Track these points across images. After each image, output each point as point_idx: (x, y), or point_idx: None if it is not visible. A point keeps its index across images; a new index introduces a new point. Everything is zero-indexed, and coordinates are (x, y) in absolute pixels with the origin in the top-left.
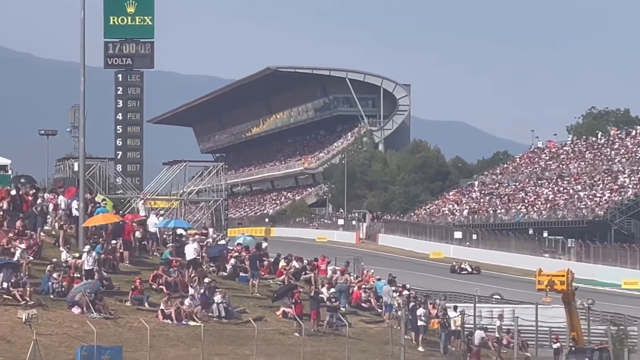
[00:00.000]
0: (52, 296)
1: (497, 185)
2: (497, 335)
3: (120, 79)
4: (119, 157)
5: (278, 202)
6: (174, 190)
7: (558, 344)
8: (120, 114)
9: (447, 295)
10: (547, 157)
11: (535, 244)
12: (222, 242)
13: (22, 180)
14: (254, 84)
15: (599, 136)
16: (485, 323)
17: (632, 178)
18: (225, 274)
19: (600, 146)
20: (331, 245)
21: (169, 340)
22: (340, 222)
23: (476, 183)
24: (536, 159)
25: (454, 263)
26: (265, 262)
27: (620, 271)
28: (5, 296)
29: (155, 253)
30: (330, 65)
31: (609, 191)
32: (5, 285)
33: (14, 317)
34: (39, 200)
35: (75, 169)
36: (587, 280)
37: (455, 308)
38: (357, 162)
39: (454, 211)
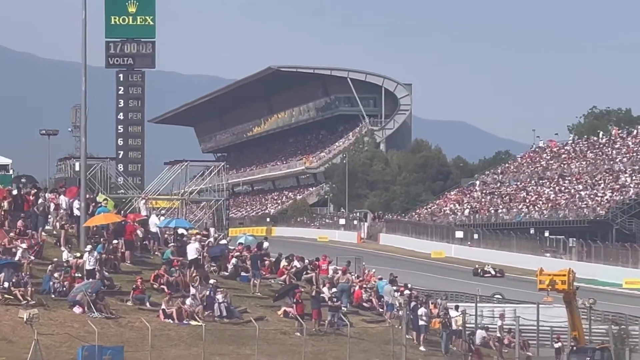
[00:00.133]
0: (53, 296)
1: (498, 184)
2: (498, 334)
3: (121, 79)
4: (120, 156)
5: (279, 201)
6: (175, 190)
7: (559, 344)
8: (121, 114)
9: (449, 295)
10: (549, 157)
11: (537, 244)
12: (224, 241)
13: (23, 180)
14: (255, 83)
15: (601, 136)
16: (487, 323)
17: (634, 177)
18: (226, 273)
19: (601, 146)
20: (332, 245)
21: (170, 340)
22: (342, 221)
23: (477, 183)
24: (537, 159)
25: (477, 266)
26: (267, 262)
27: (622, 271)
28: (6, 296)
29: (156, 253)
30: (332, 64)
31: (610, 191)
32: (6, 284)
33: (15, 317)
34: (40, 200)
35: (77, 168)
36: (588, 279)
37: (456, 308)
38: (358, 161)
39: (455, 211)
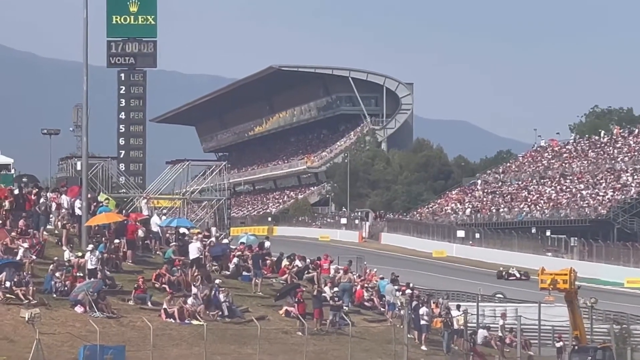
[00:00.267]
0: (54, 295)
1: (499, 184)
2: (500, 334)
3: (123, 78)
4: (121, 156)
5: (281, 201)
6: (177, 189)
7: (561, 343)
8: (123, 113)
9: (450, 294)
10: (550, 156)
11: (538, 243)
12: (225, 241)
13: (25, 179)
14: (256, 83)
15: (602, 135)
16: (488, 322)
17: (635, 177)
18: (228, 273)
19: (603, 145)
20: (334, 244)
21: (171, 340)
22: (343, 221)
23: (479, 182)
24: (539, 158)
25: (501, 268)
26: (268, 261)
27: (623, 270)
28: (8, 295)
29: (158, 252)
30: (333, 64)
31: (611, 190)
32: (8, 284)
33: (16, 317)
34: (42, 200)
35: (78, 168)
36: (590, 279)
37: (458, 307)
38: (359, 161)
39: (457, 210)
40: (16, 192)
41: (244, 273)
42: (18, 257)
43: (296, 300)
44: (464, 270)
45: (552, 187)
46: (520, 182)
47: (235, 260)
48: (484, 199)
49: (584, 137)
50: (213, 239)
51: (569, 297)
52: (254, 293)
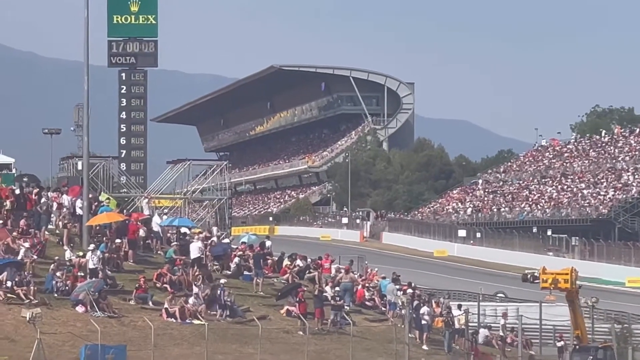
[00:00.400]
0: (56, 295)
1: (501, 183)
2: (501, 333)
3: (123, 78)
4: (122, 155)
5: (282, 200)
6: (178, 189)
7: (562, 342)
8: (124, 113)
9: (451, 294)
10: (551, 156)
11: (539, 243)
12: (226, 240)
13: (26, 179)
14: (257, 82)
15: (603, 134)
16: (490, 321)
17: (636, 176)
18: (229, 272)
19: (604, 144)
20: (335, 244)
21: (173, 339)
22: (344, 220)
23: (480, 181)
24: (540, 157)
25: (526, 271)
26: (269, 261)
27: (624, 269)
28: (9, 295)
29: (159, 252)
30: (334, 63)
31: (612, 189)
32: (9, 284)
33: (18, 316)
34: (43, 199)
35: (79, 167)
36: (591, 278)
37: (459, 306)
38: (361, 160)
39: (458, 209)
40: (17, 191)
41: (245, 273)
42: (19, 257)
43: (297, 299)
44: (465, 269)
45: (553, 187)
46: (521, 182)
47: (236, 259)
48: (485, 199)
49: (585, 137)
50: (214, 238)
51: (570, 296)
52: (255, 293)
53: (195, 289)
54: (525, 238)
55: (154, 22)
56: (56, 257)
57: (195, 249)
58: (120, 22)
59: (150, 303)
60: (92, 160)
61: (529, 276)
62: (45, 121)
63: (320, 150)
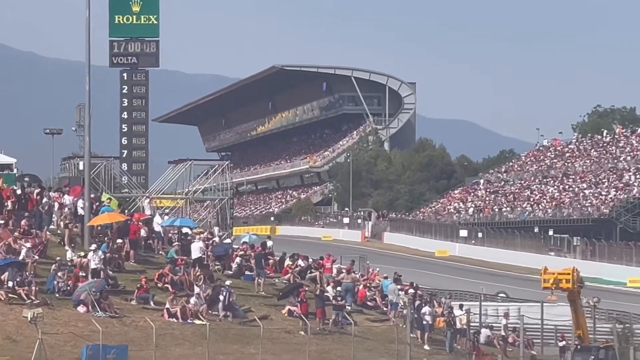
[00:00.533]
0: (57, 295)
1: (502, 183)
2: (502, 333)
3: (125, 78)
4: (124, 155)
5: (283, 200)
6: (180, 189)
7: (564, 342)
8: (125, 113)
9: (453, 294)
10: (553, 156)
11: (541, 242)
12: (228, 240)
13: (27, 179)
14: (259, 82)
15: (605, 134)
16: (491, 321)
17: (638, 176)
18: (230, 272)
19: (605, 144)
20: (336, 244)
21: (174, 339)
22: (346, 220)
23: (481, 181)
24: (541, 157)
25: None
26: (271, 261)
27: (626, 269)
28: (10, 295)
29: (160, 252)
30: (336, 63)
31: (614, 189)
32: (10, 284)
33: (19, 316)
34: (44, 199)
35: (81, 167)
36: (592, 278)
37: (460, 306)
38: (362, 160)
39: (460, 209)
40: (19, 192)
41: (247, 273)
42: (21, 257)
43: (299, 299)
44: (466, 269)
45: (555, 187)
46: (522, 182)
47: (237, 259)
48: (487, 199)
49: (587, 137)
50: (216, 238)
51: (572, 296)
52: (257, 293)
53: (196, 289)
54: (526, 238)
55: (155, 22)
56: (58, 257)
57: (196, 249)
58: (121, 22)
59: (151, 303)
60: (93, 161)
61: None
62: (47, 121)
63: (321, 150)
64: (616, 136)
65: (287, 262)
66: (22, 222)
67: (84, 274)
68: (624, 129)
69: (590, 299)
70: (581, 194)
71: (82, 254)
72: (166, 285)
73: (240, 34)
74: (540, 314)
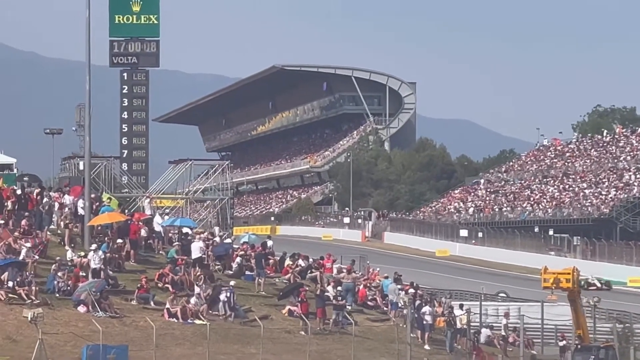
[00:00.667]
0: (57, 295)
1: (502, 183)
2: (503, 333)
3: (125, 78)
4: (124, 155)
5: (284, 200)
6: (180, 188)
7: (564, 342)
8: (125, 113)
9: (453, 294)
10: (553, 155)
11: (541, 242)
12: (228, 240)
13: (27, 178)
14: (259, 82)
15: (605, 134)
16: (491, 321)
17: (638, 176)
18: (231, 272)
19: (605, 144)
20: (337, 244)
21: (174, 339)
22: (346, 220)
23: (482, 181)
24: (542, 157)
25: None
26: (271, 261)
27: (626, 269)
28: (10, 295)
29: (161, 252)
30: (336, 63)
31: (614, 189)
32: (10, 284)
33: (19, 316)
34: (45, 199)
35: (81, 167)
36: None
37: (461, 306)
38: (362, 160)
39: (460, 209)
40: (19, 192)
41: (247, 272)
42: (21, 257)
43: (299, 299)
44: (467, 269)
45: (555, 186)
46: (523, 181)
47: (238, 259)
48: (487, 198)
49: (587, 136)
50: (216, 238)
51: (572, 296)
52: (257, 292)
53: (197, 289)
54: (527, 238)
55: (155, 22)
56: (58, 257)
57: (196, 249)
58: (122, 22)
59: (152, 303)
60: (93, 160)
61: (582, 282)
62: (47, 121)
63: (322, 150)
64: (616, 136)
65: (288, 262)
66: (22, 222)
67: (84, 274)
68: (624, 129)
69: (590, 298)
70: (581, 194)
71: (82, 254)
72: (166, 285)
73: (240, 34)
74: (540, 313)
